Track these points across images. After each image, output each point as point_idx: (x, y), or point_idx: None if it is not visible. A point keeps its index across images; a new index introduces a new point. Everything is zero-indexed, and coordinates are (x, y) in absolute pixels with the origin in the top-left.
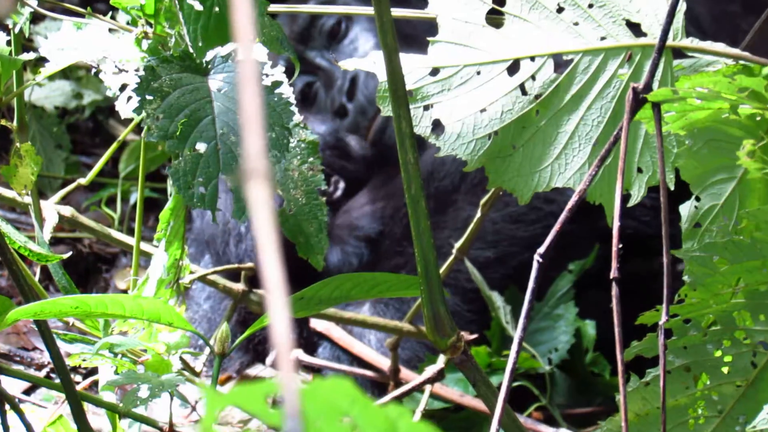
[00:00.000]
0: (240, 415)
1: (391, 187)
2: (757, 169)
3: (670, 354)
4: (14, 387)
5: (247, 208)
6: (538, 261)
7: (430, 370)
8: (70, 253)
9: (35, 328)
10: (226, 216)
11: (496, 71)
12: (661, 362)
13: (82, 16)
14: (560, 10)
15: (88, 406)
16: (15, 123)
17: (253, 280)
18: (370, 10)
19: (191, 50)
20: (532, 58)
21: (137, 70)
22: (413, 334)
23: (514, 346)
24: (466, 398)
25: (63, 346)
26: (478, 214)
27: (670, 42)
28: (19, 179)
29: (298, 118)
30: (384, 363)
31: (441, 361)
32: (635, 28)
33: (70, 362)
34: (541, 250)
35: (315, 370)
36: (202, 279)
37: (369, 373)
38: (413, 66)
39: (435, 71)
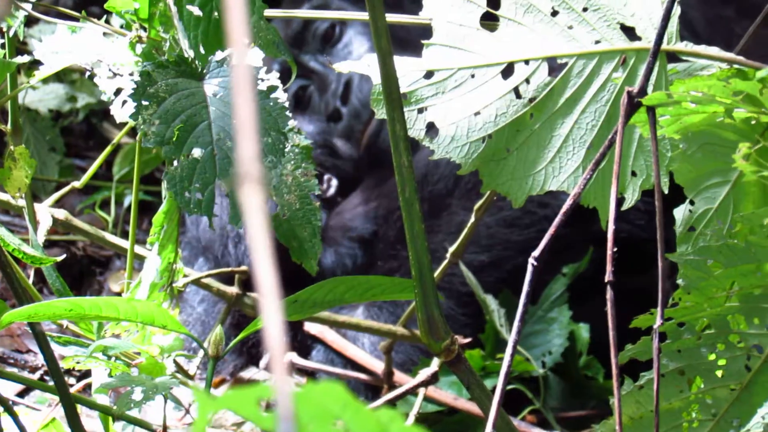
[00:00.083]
0: (233, 418)
1: (384, 187)
2: (752, 172)
3: (664, 357)
4: (8, 389)
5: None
6: (532, 264)
7: (424, 374)
8: (64, 256)
9: (29, 331)
10: (223, 219)
11: (490, 74)
12: (655, 366)
13: (76, 19)
14: (555, 13)
15: (81, 409)
16: (9, 126)
17: (247, 283)
18: (364, 15)
19: (189, 56)
20: (527, 62)
21: (132, 74)
22: (407, 337)
23: (509, 350)
24: (460, 401)
25: (57, 349)
26: (473, 219)
27: (664, 46)
28: (13, 182)
29: (292, 122)
30: (378, 366)
31: (435, 364)
32: (630, 32)
33: (63, 365)
34: (536, 253)
35: (308, 373)
36: (196, 282)
37: (363, 376)
38: (407, 69)
39: (429, 74)
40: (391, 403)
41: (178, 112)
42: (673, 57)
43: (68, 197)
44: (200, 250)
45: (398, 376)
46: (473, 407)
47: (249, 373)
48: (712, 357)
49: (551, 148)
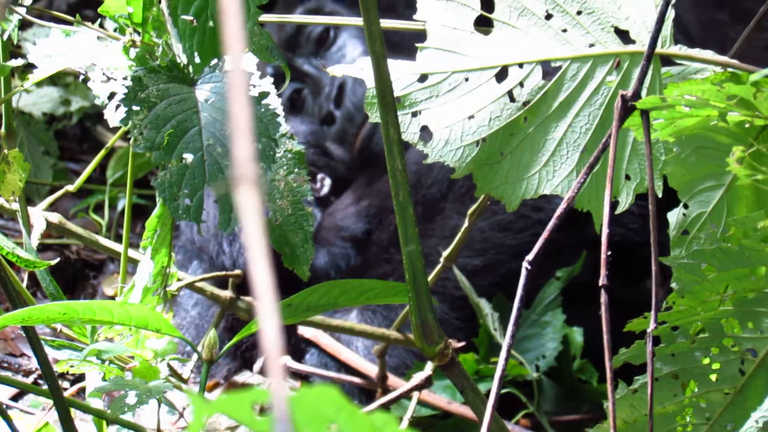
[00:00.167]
0: (227, 421)
1: (376, 186)
2: (746, 176)
3: (658, 361)
4: (2, 393)
5: (233, 217)
6: (526, 268)
7: (417, 377)
8: (57, 260)
9: (23, 335)
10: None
11: (484, 78)
12: (649, 369)
13: (70, 23)
14: (549, 17)
15: (75, 413)
16: (3, 129)
17: (241, 287)
18: (358, 20)
19: (181, 61)
20: (521, 65)
21: (125, 79)
22: (401, 341)
23: (503, 353)
24: (453, 405)
25: (51, 353)
26: (466, 223)
27: (658, 49)
28: (7, 186)
29: (285, 128)
30: (372, 370)
31: (429, 368)
32: (624, 36)
33: (57, 368)
34: (530, 257)
35: (303, 377)
36: (190, 286)
37: (357, 380)
38: (401, 72)
39: (423, 77)
40: (385, 406)
41: (169, 118)
42: (667, 60)
43: (62, 201)
44: (194, 253)
45: (392, 379)
46: (467, 411)
47: (243, 376)
48: (706, 361)
49: (545, 152)
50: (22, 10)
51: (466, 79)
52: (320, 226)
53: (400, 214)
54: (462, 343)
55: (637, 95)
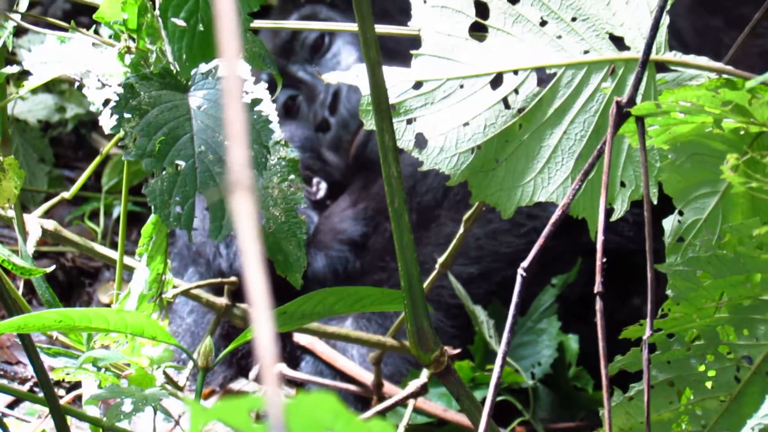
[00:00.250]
0: (223, 429)
1: (372, 189)
2: (740, 183)
3: (653, 368)
4: None
5: (224, 225)
6: (521, 275)
7: (413, 385)
8: (53, 267)
9: (19, 342)
10: None
11: (479, 85)
12: (645, 377)
13: (65, 30)
14: (543, 23)
15: (71, 420)
16: None
17: (237, 294)
18: (353, 27)
19: (174, 68)
20: (515, 72)
21: (120, 85)
22: (397, 348)
23: (498, 361)
24: (449, 413)
25: (47, 360)
26: (461, 230)
27: (653, 56)
28: (2, 193)
29: (279, 135)
30: (367, 377)
31: (424, 375)
32: (618, 42)
33: (53, 376)
34: (525, 264)
35: (298, 385)
36: (185, 293)
37: (352, 387)
38: (396, 79)
39: (418, 85)
40: (381, 414)
41: (161, 125)
42: (662, 67)
43: (57, 208)
44: (190, 259)
45: (388, 387)
46: (463, 419)
47: (239, 384)
48: (702, 368)
49: (540, 159)
50: (17, 17)
51: (461, 86)
52: (317, 229)
53: (395, 221)
54: (457, 351)
55: (632, 102)
